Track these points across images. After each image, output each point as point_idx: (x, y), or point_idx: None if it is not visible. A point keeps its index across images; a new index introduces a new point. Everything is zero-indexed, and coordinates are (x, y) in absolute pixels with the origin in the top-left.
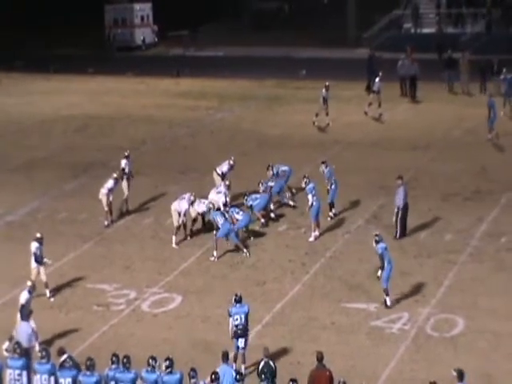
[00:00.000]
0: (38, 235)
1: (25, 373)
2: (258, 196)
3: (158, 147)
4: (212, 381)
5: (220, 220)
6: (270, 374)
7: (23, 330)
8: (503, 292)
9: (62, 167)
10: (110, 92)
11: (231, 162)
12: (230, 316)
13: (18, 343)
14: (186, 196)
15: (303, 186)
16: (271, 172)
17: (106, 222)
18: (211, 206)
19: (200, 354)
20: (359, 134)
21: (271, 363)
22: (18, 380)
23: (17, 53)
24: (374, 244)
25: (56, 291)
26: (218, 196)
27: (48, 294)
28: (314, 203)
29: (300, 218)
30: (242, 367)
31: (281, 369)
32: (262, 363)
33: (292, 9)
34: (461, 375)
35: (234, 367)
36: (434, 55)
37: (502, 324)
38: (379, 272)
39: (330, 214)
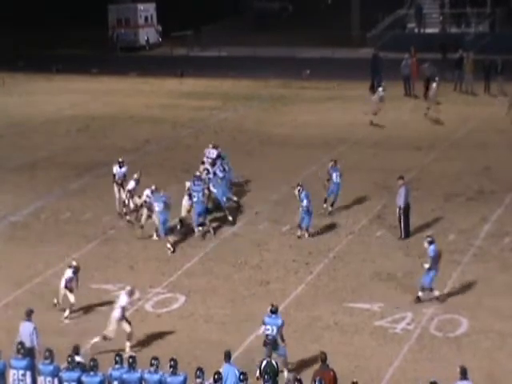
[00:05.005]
0: (74, 263)
1: (29, 373)
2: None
3: (162, 147)
4: (215, 381)
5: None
6: (273, 374)
7: (26, 330)
8: (507, 292)
9: (66, 167)
10: (113, 92)
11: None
12: (264, 324)
13: (21, 343)
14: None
15: (296, 193)
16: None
17: (127, 217)
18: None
19: (203, 354)
20: (363, 134)
21: (274, 363)
22: (22, 380)
23: (19, 53)
24: (427, 245)
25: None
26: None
27: (66, 315)
28: (310, 208)
29: None
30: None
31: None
32: (264, 363)
33: (296, 9)
34: (464, 373)
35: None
36: (438, 55)
37: (506, 324)
38: (425, 265)
39: (325, 206)
